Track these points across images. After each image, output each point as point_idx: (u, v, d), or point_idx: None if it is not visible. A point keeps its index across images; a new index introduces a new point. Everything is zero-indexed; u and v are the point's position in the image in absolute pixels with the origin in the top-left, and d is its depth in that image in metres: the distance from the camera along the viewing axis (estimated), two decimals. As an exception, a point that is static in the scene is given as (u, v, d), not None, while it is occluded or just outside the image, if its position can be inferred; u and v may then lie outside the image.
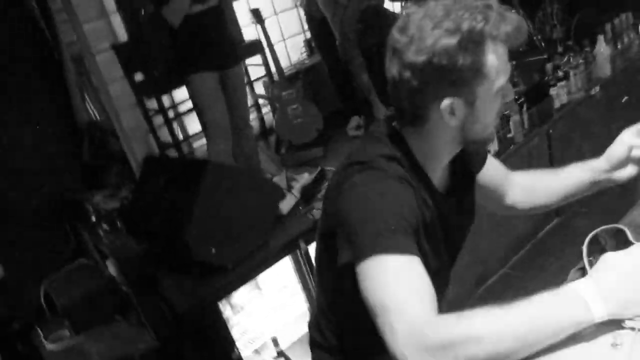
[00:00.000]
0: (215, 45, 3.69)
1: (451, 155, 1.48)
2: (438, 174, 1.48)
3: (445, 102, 1.31)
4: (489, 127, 1.39)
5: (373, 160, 1.35)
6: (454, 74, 1.27)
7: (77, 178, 4.42)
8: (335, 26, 4.42)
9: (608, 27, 4.48)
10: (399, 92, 1.35)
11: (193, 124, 4.89)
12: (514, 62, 4.55)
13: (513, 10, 1.43)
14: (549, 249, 3.72)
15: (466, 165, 1.59)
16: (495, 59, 1.29)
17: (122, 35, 4.68)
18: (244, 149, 4.01)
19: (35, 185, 4.25)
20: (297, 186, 3.42)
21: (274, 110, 4.74)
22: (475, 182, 1.66)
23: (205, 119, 3.78)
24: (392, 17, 4.13)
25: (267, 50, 4.78)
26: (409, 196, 1.32)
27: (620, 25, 4.53)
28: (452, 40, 1.26)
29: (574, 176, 1.68)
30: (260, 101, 5.27)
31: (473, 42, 1.26)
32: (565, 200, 1.72)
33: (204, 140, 4.31)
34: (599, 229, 1.52)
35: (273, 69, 4.74)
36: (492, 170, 1.72)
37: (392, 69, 1.34)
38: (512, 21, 1.29)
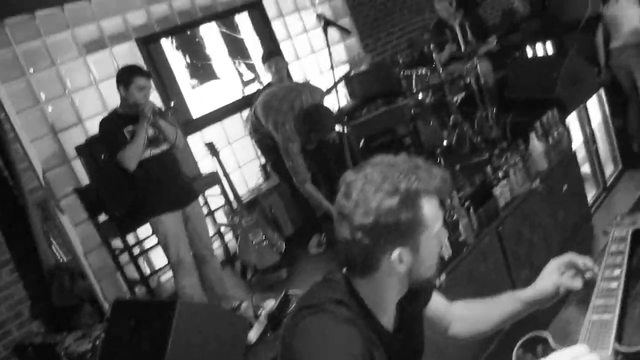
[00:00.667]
0: (172, 186, 3.82)
1: (400, 296, 1.63)
2: (388, 314, 1.63)
3: (395, 253, 1.49)
4: (433, 267, 1.56)
5: (323, 303, 1.50)
6: (399, 228, 1.45)
7: (47, 322, 4.43)
8: (279, 137, 4.50)
9: (538, 124, 4.74)
10: (352, 250, 1.50)
11: (159, 258, 4.95)
12: (457, 167, 4.80)
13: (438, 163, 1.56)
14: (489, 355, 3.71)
15: (413, 301, 1.73)
16: (430, 209, 1.48)
17: (84, 179, 4.85)
18: (210, 278, 4.06)
19: (2, 334, 4.24)
20: (263, 313, 3.52)
21: (236, 236, 4.81)
22: (422, 316, 1.81)
23: (170, 258, 3.88)
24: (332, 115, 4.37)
25: (224, 180, 4.93)
26: (357, 339, 1.45)
27: (549, 122, 4.84)
28: (393, 201, 1.44)
29: (507, 306, 1.83)
30: (222, 228, 5.37)
31: (411, 199, 1.45)
32: (502, 326, 1.87)
33: (171, 273, 4.37)
34: (524, 338, 1.65)
35: (232, 197, 4.86)
36: (436, 304, 1.89)
37: (344, 232, 1.49)
38: (438, 174, 1.49)
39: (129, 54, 5.08)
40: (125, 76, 3.65)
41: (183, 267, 3.82)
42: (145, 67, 4.02)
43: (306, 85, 4.71)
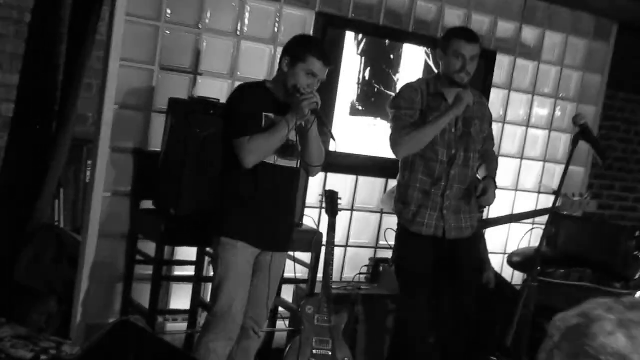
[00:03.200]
0: (275, 214, 3.45)
1: None
2: None
3: None
4: None
5: None
6: None
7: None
8: None
9: None
10: None
11: (179, 299, 4.27)
12: None
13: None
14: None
15: None
16: None
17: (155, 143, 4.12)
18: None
19: None
20: None
21: (295, 329, 4.20)
22: None
23: (216, 306, 3.39)
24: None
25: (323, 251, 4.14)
26: None
27: None
28: None
29: None
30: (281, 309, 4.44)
31: None
32: None
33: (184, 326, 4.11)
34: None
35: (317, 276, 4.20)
36: None
37: None
38: None
39: (297, 24, 4.40)
40: (300, 50, 3.30)
41: (226, 324, 3.33)
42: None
43: None
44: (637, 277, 4.57)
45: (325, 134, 3.41)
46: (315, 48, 3.31)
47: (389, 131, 3.72)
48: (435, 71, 4.11)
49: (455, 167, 3.62)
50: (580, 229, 4.93)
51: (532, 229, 4.42)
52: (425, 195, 3.64)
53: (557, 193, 3.59)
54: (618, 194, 6.36)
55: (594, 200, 4.77)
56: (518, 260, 4.61)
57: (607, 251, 4.84)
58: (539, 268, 3.85)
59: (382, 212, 4.78)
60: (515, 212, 4.83)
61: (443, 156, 3.60)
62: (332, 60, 3.53)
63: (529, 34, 5.18)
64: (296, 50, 3.31)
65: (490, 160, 3.84)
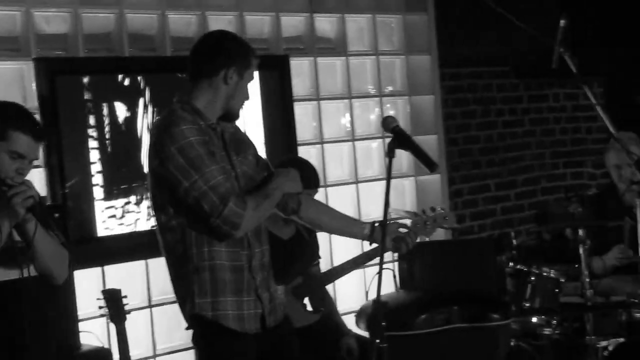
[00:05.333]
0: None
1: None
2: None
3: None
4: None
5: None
6: None
7: None
8: None
9: None
10: None
11: None
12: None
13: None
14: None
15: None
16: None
17: None
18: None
19: None
20: None
21: None
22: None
23: None
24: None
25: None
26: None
27: None
28: None
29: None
30: None
31: None
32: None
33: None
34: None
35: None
36: None
37: None
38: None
39: (11, 80, 4.07)
40: None
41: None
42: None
43: None
44: (511, 296, 4.23)
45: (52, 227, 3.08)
46: (17, 118, 2.96)
47: None
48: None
49: None
50: (438, 257, 4.57)
51: (380, 270, 3.79)
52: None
53: (383, 222, 3.13)
54: (495, 194, 6.04)
55: (451, 212, 4.20)
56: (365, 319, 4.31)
57: (474, 276, 4.65)
58: (383, 323, 3.16)
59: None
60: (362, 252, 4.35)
61: None
62: (45, 132, 3.30)
63: (325, 25, 4.79)
64: None
65: None
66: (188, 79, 2.89)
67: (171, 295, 4.27)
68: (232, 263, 2.89)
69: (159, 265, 4.29)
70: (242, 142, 3.01)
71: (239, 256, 2.87)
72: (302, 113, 4.63)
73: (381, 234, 2.71)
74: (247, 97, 2.92)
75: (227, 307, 2.84)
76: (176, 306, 4.39)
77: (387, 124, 3.16)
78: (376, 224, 2.86)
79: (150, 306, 4.39)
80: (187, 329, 3.06)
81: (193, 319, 2.90)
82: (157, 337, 4.42)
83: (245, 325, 2.79)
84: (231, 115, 2.92)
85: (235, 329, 2.87)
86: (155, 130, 2.86)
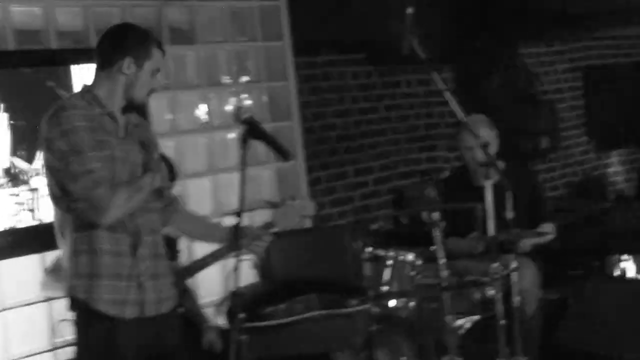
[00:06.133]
0: None
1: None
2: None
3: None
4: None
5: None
6: None
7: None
8: None
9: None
10: None
11: None
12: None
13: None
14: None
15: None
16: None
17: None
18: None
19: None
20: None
21: None
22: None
23: None
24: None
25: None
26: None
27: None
28: None
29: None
30: None
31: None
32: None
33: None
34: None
35: None
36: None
37: None
38: None
39: None
40: None
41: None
42: None
43: None
44: (368, 280, 4.23)
45: None
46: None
47: None
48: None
49: None
50: (296, 246, 4.58)
51: (237, 262, 3.84)
52: None
53: (239, 211, 3.15)
54: (353, 180, 6.09)
55: (310, 200, 4.26)
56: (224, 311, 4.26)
57: (331, 263, 4.66)
58: (241, 315, 3.34)
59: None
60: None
61: None
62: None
63: (176, 14, 4.65)
64: None
65: None
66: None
67: (26, 298, 4.18)
68: (113, 247, 2.85)
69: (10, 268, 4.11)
70: (146, 137, 2.96)
71: (122, 241, 2.85)
72: (156, 105, 4.47)
73: (237, 236, 2.80)
74: (151, 87, 2.89)
75: (101, 291, 2.79)
76: (31, 309, 4.19)
77: (238, 115, 3.18)
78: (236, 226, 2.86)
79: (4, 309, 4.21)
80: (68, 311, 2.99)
81: (69, 301, 2.87)
82: (11, 342, 4.22)
83: (120, 310, 2.75)
84: (134, 104, 2.89)
85: (107, 312, 2.81)
86: (46, 117, 2.79)
